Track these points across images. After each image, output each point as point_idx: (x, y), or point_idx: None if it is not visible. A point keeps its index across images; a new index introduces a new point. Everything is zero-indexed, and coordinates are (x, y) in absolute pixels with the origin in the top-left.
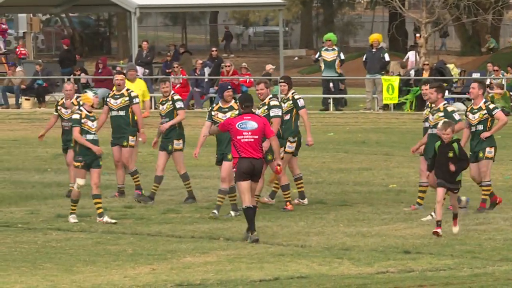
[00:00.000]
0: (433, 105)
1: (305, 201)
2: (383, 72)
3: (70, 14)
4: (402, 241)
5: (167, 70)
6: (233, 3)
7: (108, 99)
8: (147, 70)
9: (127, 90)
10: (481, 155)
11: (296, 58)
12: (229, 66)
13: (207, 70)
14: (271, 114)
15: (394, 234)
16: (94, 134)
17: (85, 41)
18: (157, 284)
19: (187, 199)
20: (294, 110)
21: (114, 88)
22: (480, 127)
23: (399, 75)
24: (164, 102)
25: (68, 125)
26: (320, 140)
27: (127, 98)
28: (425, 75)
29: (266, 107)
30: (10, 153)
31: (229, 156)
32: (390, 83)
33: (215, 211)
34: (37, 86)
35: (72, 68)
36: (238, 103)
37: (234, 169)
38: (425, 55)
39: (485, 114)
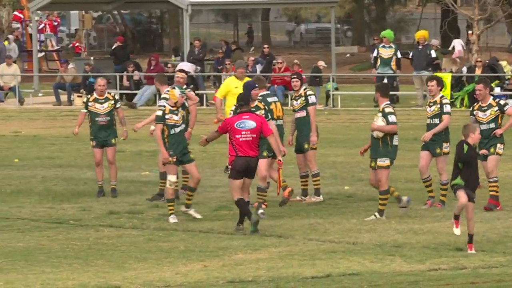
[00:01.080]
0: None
1: (320, 197)
2: (430, 69)
3: (122, 11)
4: (454, 238)
5: (219, 67)
6: (285, 0)
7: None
8: (199, 67)
9: (186, 88)
10: (492, 150)
11: (348, 55)
12: (281, 63)
13: (259, 67)
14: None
15: (446, 231)
16: (181, 125)
17: (137, 38)
18: (208, 281)
19: (155, 196)
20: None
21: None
22: (492, 125)
23: (451, 72)
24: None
25: (105, 120)
26: None
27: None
28: (478, 72)
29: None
30: (62, 150)
31: (264, 153)
32: (442, 80)
33: (261, 210)
34: (88, 84)
35: (123, 65)
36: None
37: (230, 166)
38: (478, 52)
39: (497, 110)
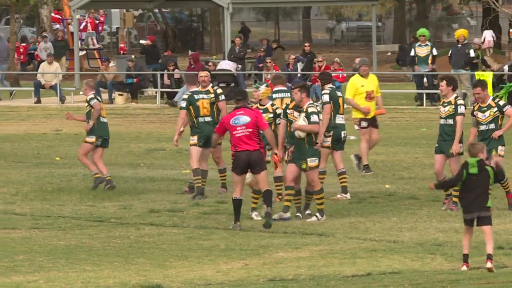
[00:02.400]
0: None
1: (348, 195)
2: (467, 68)
3: (163, 9)
4: (495, 236)
5: (260, 65)
6: None
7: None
8: (239, 66)
9: (213, 86)
10: (494, 153)
11: (389, 53)
12: (321, 61)
13: (300, 65)
14: None
15: None
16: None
17: (178, 36)
18: (249, 279)
19: (195, 195)
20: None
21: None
22: (492, 125)
23: (492, 70)
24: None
25: (85, 118)
26: (413, 135)
27: (212, 95)
28: None
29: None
30: None
31: (285, 159)
32: (483, 78)
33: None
34: (127, 83)
35: (158, 64)
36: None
37: (232, 162)
38: None
39: (496, 111)
